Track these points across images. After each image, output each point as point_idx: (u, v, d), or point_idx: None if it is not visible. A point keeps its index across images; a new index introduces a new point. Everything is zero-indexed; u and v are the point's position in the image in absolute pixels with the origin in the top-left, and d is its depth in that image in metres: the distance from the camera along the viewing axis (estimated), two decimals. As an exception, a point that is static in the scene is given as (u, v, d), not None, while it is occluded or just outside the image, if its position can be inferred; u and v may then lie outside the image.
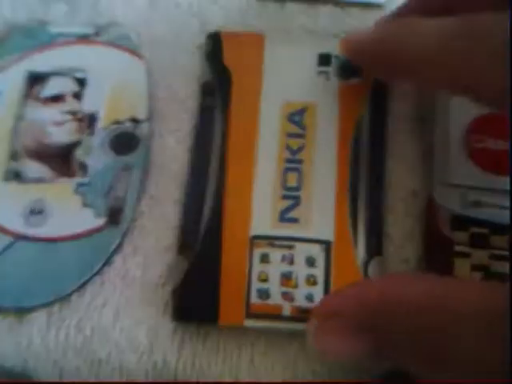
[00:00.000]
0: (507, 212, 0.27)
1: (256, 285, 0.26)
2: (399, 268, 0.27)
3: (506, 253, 0.26)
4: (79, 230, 0.27)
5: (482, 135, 0.29)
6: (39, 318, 0.26)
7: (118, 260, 0.28)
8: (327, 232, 0.26)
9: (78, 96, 0.31)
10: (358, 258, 0.26)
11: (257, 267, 0.26)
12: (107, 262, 0.27)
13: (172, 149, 0.30)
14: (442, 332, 0.16)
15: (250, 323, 0.25)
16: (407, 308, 0.17)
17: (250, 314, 0.25)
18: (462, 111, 0.29)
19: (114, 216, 0.28)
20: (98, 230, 0.27)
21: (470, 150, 0.28)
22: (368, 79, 0.29)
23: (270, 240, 0.26)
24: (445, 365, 0.16)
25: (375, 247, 0.27)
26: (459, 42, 0.19)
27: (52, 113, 0.31)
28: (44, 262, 0.27)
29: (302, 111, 0.29)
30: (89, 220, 0.27)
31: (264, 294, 0.25)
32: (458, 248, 0.26)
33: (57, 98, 0.31)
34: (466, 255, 0.26)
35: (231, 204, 0.27)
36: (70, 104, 0.31)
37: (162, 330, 0.27)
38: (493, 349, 0.15)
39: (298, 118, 0.29)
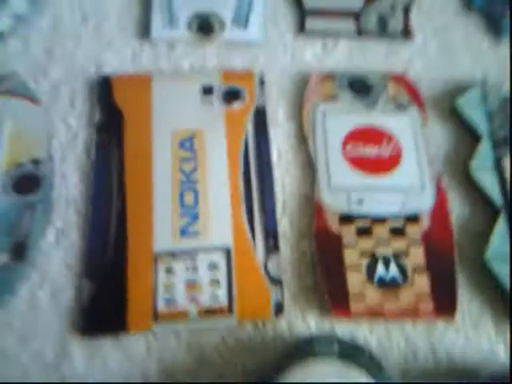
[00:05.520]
0: (385, 205, 0.30)
1: (162, 295, 0.27)
2: (296, 261, 0.30)
3: (387, 237, 0.29)
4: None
5: (355, 144, 0.33)
6: None
7: (25, 290, 0.28)
8: (226, 240, 0.29)
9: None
10: (258, 258, 0.28)
11: (162, 279, 0.27)
12: (13, 294, 0.27)
13: (75, 185, 0.31)
14: None
15: (158, 328, 0.26)
16: None
17: (158, 320, 0.26)
18: (337, 127, 0.33)
19: (18, 252, 0.28)
20: (3, 265, 0.28)
21: (347, 157, 0.32)
22: (249, 101, 0.33)
23: (173, 254, 0.28)
24: None
25: (273, 247, 0.29)
26: None
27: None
28: None
29: (191, 137, 0.32)
30: (-8, 257, 0.28)
31: (171, 302, 0.27)
32: (345, 240, 0.29)
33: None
34: (353, 246, 0.29)
35: (133, 228, 0.29)
36: (-32, 152, 0.31)
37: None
38: None
39: (188, 144, 0.31)
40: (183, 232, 0.29)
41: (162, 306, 0.27)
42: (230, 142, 0.32)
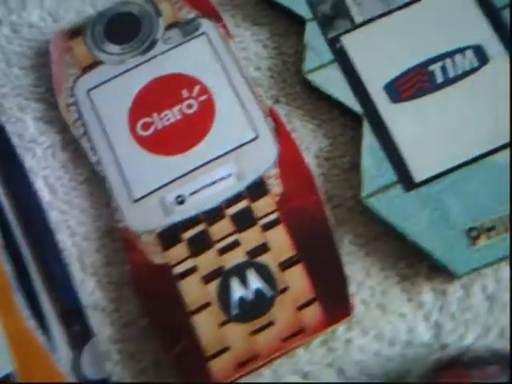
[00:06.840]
0: (215, 186, 0.20)
1: None
2: (127, 336, 0.19)
3: (233, 238, 0.19)
4: None
5: (146, 117, 0.22)
6: None
7: None
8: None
9: None
10: (63, 362, 0.18)
11: None
12: None
13: None
14: None
15: None
16: None
17: None
18: (112, 105, 0.22)
19: None
20: None
21: (142, 142, 0.21)
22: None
23: None
24: None
25: (81, 335, 0.19)
26: None
27: None
28: None
29: None
30: None
31: None
32: (178, 269, 0.19)
33: None
34: (191, 271, 0.19)
35: None
36: None
37: None
38: None
39: None
40: None
41: None
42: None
